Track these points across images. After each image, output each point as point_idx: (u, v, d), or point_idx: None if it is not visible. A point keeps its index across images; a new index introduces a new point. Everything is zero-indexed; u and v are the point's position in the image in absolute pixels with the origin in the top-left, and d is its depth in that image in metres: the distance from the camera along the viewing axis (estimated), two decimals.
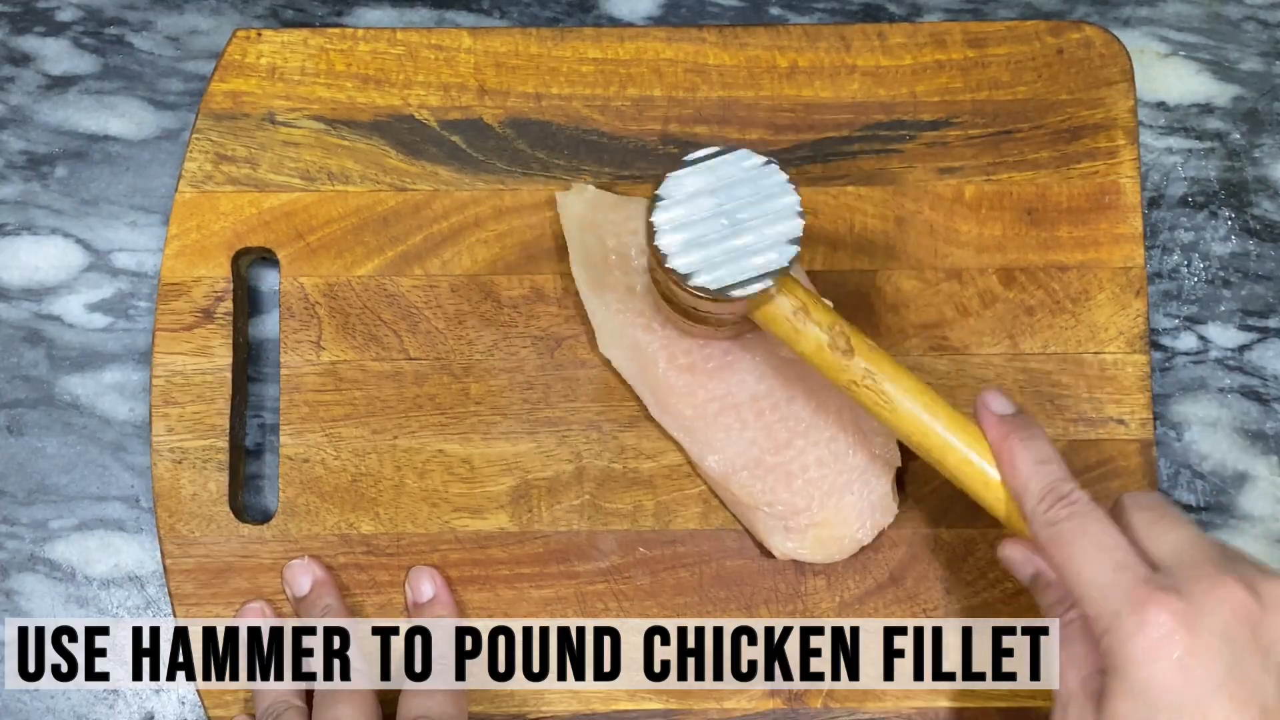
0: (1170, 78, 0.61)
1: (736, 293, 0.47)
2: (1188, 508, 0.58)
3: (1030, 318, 0.57)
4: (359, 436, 0.56)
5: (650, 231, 0.47)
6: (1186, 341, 0.59)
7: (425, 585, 0.55)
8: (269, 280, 0.59)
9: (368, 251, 0.57)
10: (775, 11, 0.61)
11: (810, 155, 0.57)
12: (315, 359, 0.56)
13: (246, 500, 0.58)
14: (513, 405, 0.56)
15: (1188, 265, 0.60)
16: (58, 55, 0.61)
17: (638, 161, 0.57)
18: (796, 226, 0.47)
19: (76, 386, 0.59)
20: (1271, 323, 0.59)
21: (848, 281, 0.57)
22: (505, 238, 0.57)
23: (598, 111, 0.58)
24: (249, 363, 0.59)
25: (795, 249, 0.47)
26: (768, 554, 0.55)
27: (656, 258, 0.47)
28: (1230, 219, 0.60)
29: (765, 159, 0.48)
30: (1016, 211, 0.57)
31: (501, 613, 0.56)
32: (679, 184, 0.47)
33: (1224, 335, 0.59)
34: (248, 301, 0.59)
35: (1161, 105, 0.61)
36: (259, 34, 0.58)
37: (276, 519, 0.56)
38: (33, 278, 0.59)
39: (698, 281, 0.47)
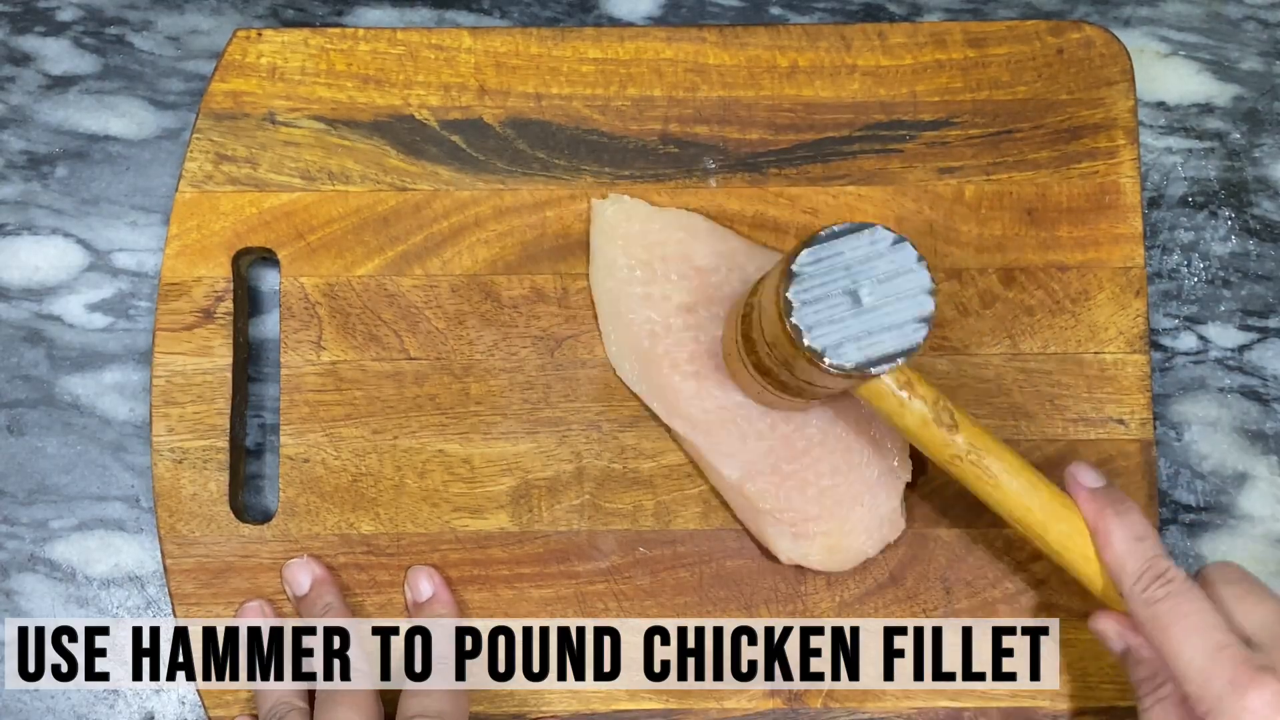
0: (1170, 78, 0.61)
1: (873, 370, 0.47)
2: (1187, 508, 0.58)
3: (1030, 318, 0.57)
4: (359, 436, 0.56)
5: (785, 306, 0.47)
6: (1186, 341, 0.59)
7: (424, 584, 0.55)
8: (269, 280, 0.59)
9: (368, 251, 0.57)
10: (775, 11, 0.61)
11: (810, 155, 0.57)
12: (315, 359, 0.56)
13: (247, 500, 0.58)
14: (513, 405, 0.56)
15: (1188, 265, 0.60)
16: (58, 55, 0.61)
17: (638, 161, 0.57)
18: (927, 305, 0.47)
19: (77, 386, 0.59)
20: (1271, 323, 0.59)
21: None
22: (505, 238, 0.57)
23: (598, 111, 0.58)
24: (249, 363, 0.59)
25: (927, 328, 0.47)
26: (768, 554, 0.55)
27: (788, 334, 0.47)
28: (1230, 219, 0.60)
29: (897, 237, 0.47)
30: (1016, 211, 0.57)
31: (501, 613, 0.56)
32: (813, 258, 0.47)
33: (1224, 335, 0.59)
34: (248, 301, 0.59)
35: (1161, 105, 0.61)
36: (259, 34, 0.58)
37: (277, 519, 0.56)
38: (33, 278, 0.59)
39: (833, 360, 0.46)
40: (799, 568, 0.55)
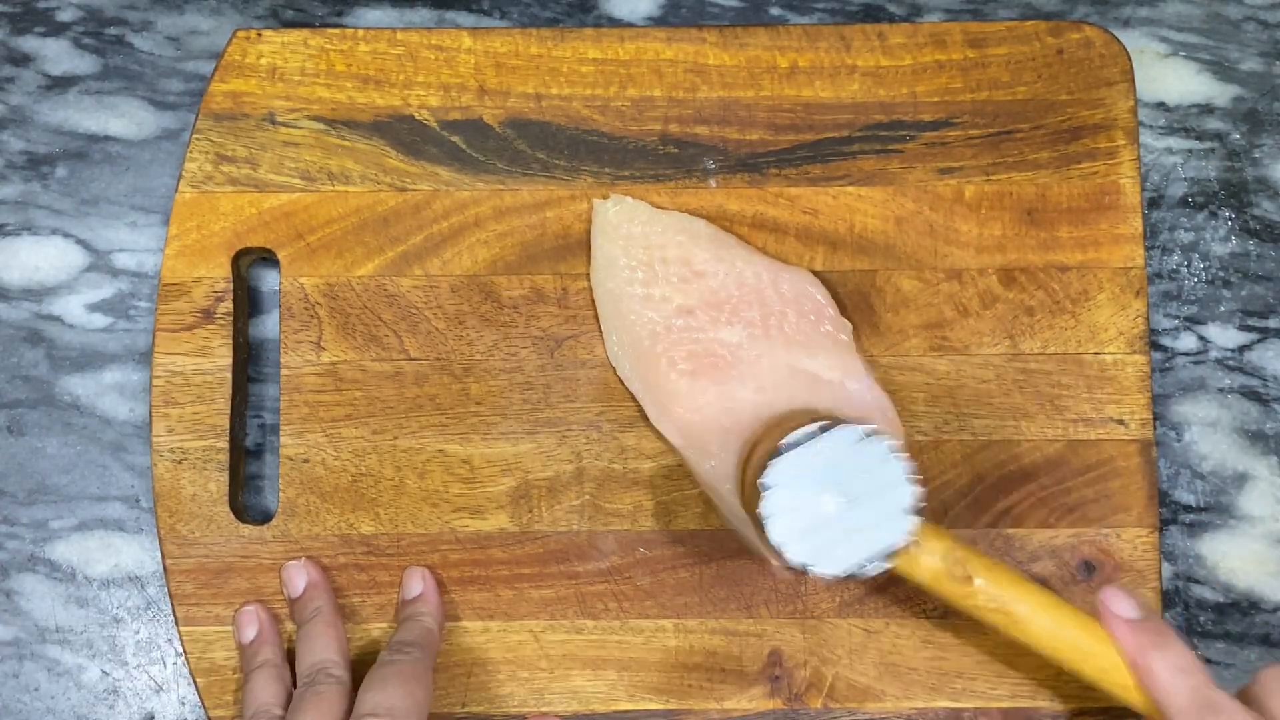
0: (1170, 78, 0.61)
1: (862, 573, 0.46)
2: (1187, 508, 0.58)
3: (1030, 318, 0.57)
4: (359, 437, 0.56)
5: (759, 523, 0.46)
6: (1186, 342, 0.59)
7: (415, 583, 0.55)
8: (269, 280, 0.59)
9: (368, 252, 0.57)
10: (775, 11, 0.61)
11: (810, 155, 0.57)
12: (315, 359, 0.56)
13: (247, 500, 0.58)
14: (513, 405, 0.56)
15: (1188, 265, 0.60)
16: (58, 55, 0.61)
17: (638, 162, 0.57)
18: (911, 493, 0.46)
19: (77, 387, 0.59)
20: (1271, 323, 0.59)
21: (848, 281, 0.57)
22: (505, 238, 0.57)
23: (598, 112, 0.58)
24: (249, 363, 0.59)
25: (915, 519, 0.46)
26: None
27: (770, 549, 0.47)
28: (1230, 219, 0.60)
29: (867, 430, 0.47)
30: (1016, 211, 0.57)
31: (502, 613, 0.56)
32: (783, 469, 0.46)
33: (1224, 335, 0.59)
34: (248, 301, 0.59)
35: (1161, 105, 0.61)
36: (259, 34, 0.58)
37: (277, 519, 0.56)
38: (33, 278, 0.59)
39: (819, 571, 0.46)
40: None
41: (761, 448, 0.49)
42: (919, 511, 0.46)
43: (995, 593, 0.48)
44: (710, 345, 0.55)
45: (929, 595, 0.49)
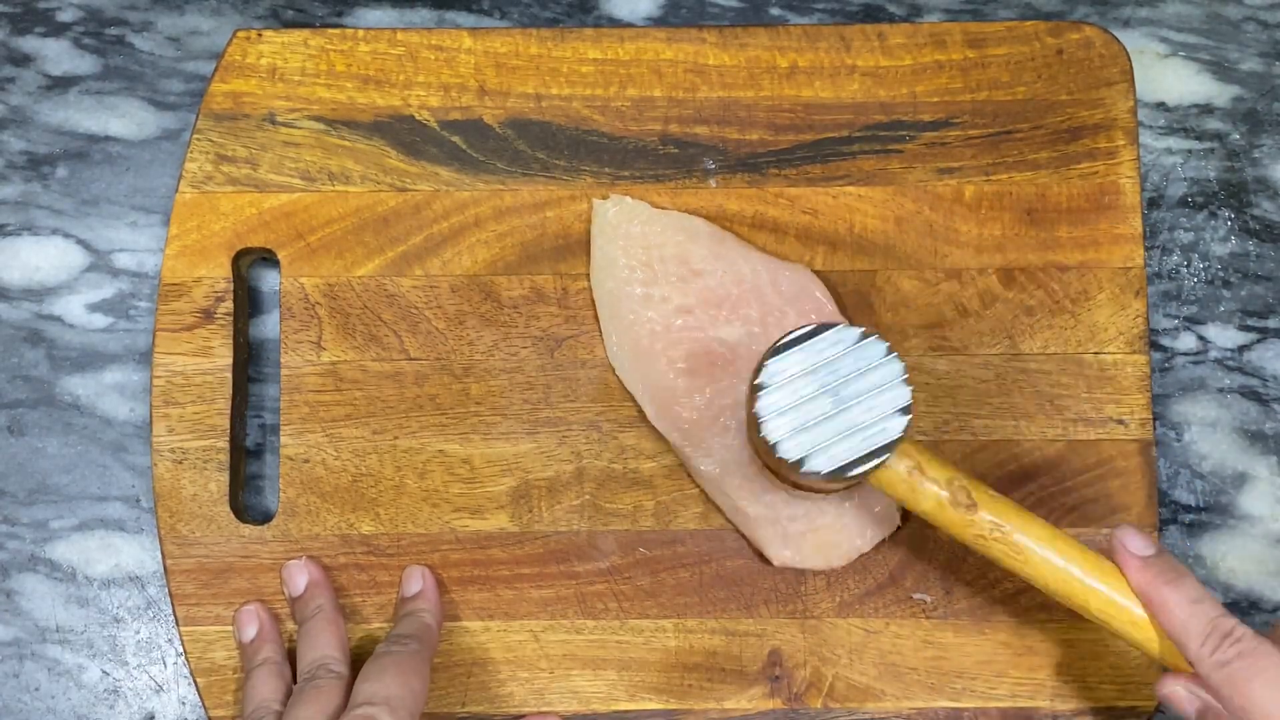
0: (1170, 78, 0.61)
1: (853, 472, 0.46)
2: (1187, 508, 0.58)
3: (1030, 318, 0.57)
4: (359, 437, 0.56)
5: (754, 421, 0.47)
6: (1186, 342, 0.59)
7: (414, 581, 0.55)
8: (269, 280, 0.59)
9: (368, 252, 0.57)
10: (775, 12, 0.61)
11: (810, 155, 0.57)
12: (315, 359, 0.56)
13: (247, 500, 0.58)
14: (513, 405, 0.56)
15: (1187, 265, 0.60)
16: (58, 55, 0.61)
17: (637, 162, 0.57)
18: (904, 394, 0.46)
19: (77, 387, 0.59)
20: (1271, 323, 0.59)
21: (848, 281, 0.57)
22: (505, 238, 0.57)
23: (598, 112, 0.58)
24: (249, 363, 0.59)
25: (907, 418, 0.46)
26: (763, 550, 0.55)
27: (764, 446, 0.47)
28: (1230, 219, 0.60)
29: (862, 332, 0.47)
30: (1016, 211, 0.57)
31: (502, 613, 0.56)
32: (778, 369, 0.47)
33: (1224, 335, 0.59)
34: (248, 301, 0.59)
35: (1161, 105, 0.61)
36: (259, 34, 0.58)
37: (277, 519, 0.56)
38: (33, 278, 0.59)
39: (811, 467, 0.46)
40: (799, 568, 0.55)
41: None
42: (910, 410, 0.47)
43: (999, 522, 0.47)
44: (709, 344, 0.55)
45: (933, 526, 0.49)
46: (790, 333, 0.47)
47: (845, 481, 0.48)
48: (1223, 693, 0.45)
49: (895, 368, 0.47)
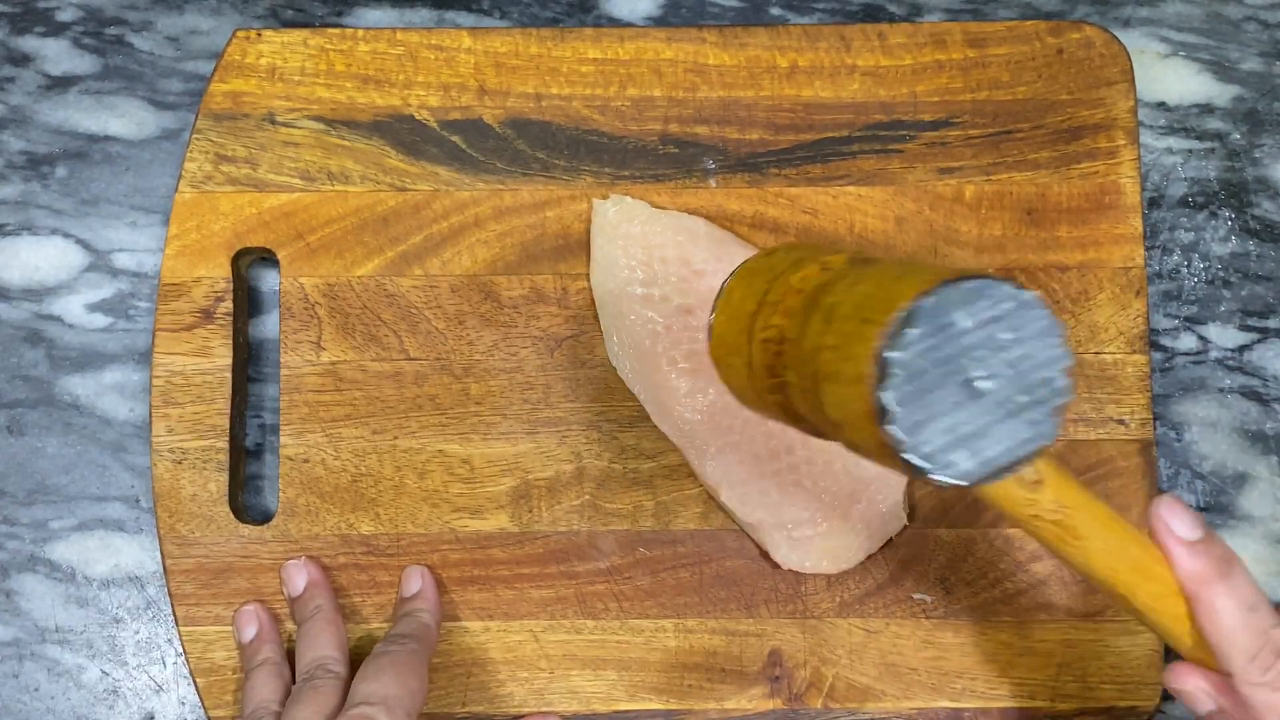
0: (1170, 78, 0.61)
1: (992, 479, 0.36)
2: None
3: None
4: (359, 437, 0.56)
5: (877, 407, 0.34)
6: (1186, 342, 0.59)
7: (413, 581, 0.55)
8: (269, 280, 0.59)
9: (368, 251, 0.57)
10: (775, 11, 0.61)
11: (810, 155, 0.57)
12: (315, 359, 0.56)
13: (246, 501, 0.58)
14: (513, 405, 0.56)
15: (1188, 265, 0.60)
16: (58, 55, 0.61)
17: (638, 162, 0.57)
18: (1063, 387, 0.36)
19: (77, 387, 0.59)
20: (1271, 323, 0.59)
21: None
22: (505, 238, 0.57)
23: (598, 111, 0.58)
24: (249, 363, 0.59)
25: (1059, 419, 0.36)
26: (768, 555, 0.55)
27: (877, 437, 0.35)
28: (1230, 219, 0.60)
29: (1024, 296, 0.35)
30: (1016, 211, 0.57)
31: (502, 613, 0.56)
32: (918, 340, 0.34)
33: (1224, 335, 0.59)
34: (248, 301, 0.59)
35: (1161, 105, 0.61)
36: (259, 34, 0.58)
37: (276, 519, 0.56)
38: (33, 278, 0.59)
39: (943, 476, 0.35)
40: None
41: (825, 313, 0.37)
42: (1074, 387, 0.37)
43: (1061, 500, 0.40)
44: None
45: (985, 499, 0.40)
46: (936, 289, 0.35)
47: (949, 488, 0.37)
48: (1261, 713, 0.41)
49: (1057, 351, 0.36)
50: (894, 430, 0.34)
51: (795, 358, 0.38)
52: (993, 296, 0.35)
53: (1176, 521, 0.42)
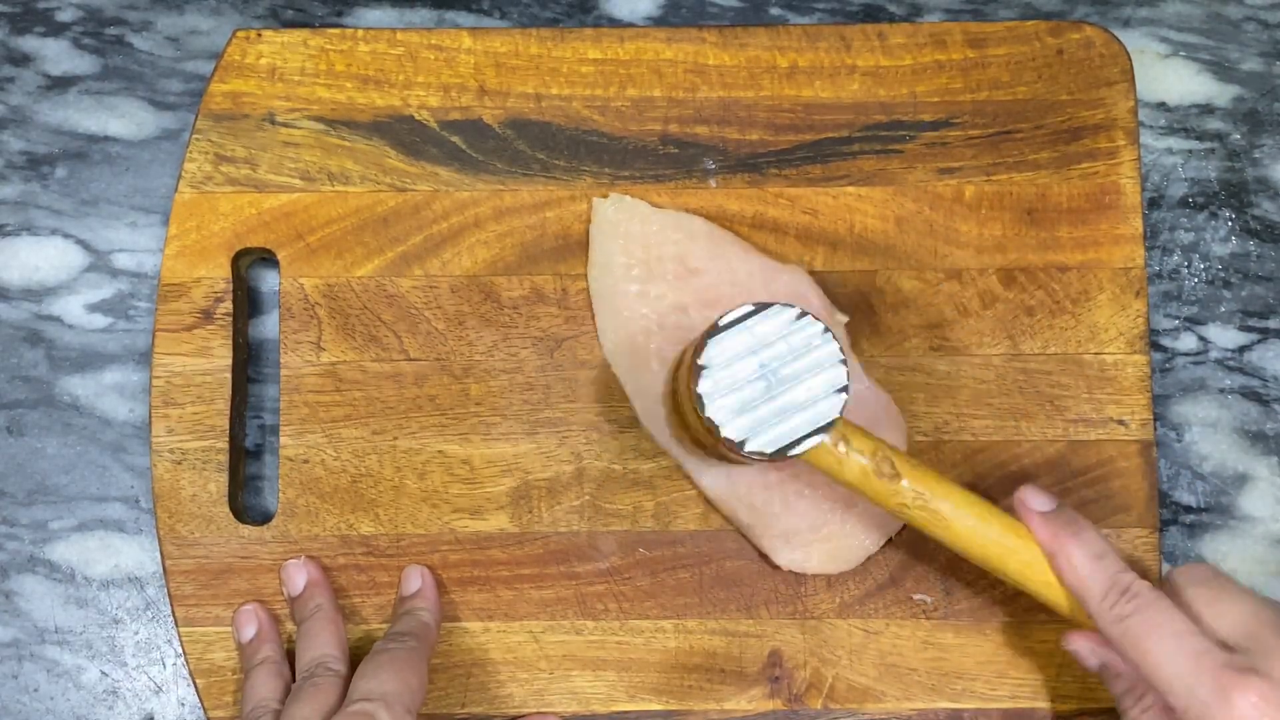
0: (1170, 78, 0.61)
1: (793, 452, 0.47)
2: (1188, 509, 0.58)
3: (1030, 318, 0.57)
4: (359, 437, 0.56)
5: (697, 401, 0.47)
6: (1186, 342, 0.59)
7: (413, 580, 0.55)
8: (269, 281, 0.59)
9: (368, 252, 0.57)
10: (775, 11, 0.61)
11: (810, 155, 0.57)
12: (315, 360, 0.56)
13: (246, 501, 0.58)
14: (513, 406, 0.56)
15: (1188, 266, 0.60)
16: (58, 55, 0.61)
17: (637, 162, 0.57)
18: (841, 374, 0.47)
19: (76, 387, 0.59)
20: (1271, 323, 0.59)
21: (848, 281, 0.57)
22: (505, 238, 0.57)
23: (598, 112, 0.58)
24: (249, 363, 0.59)
25: (844, 397, 0.47)
26: (768, 556, 0.55)
27: (707, 427, 0.47)
28: (1230, 219, 0.60)
29: (799, 312, 0.48)
30: (1016, 212, 0.57)
31: (501, 614, 0.56)
32: (719, 349, 0.47)
33: (1224, 336, 0.59)
34: (248, 302, 0.59)
35: (1161, 105, 0.61)
36: (259, 34, 0.58)
37: (276, 520, 0.56)
38: (33, 278, 0.59)
39: (753, 447, 0.47)
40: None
41: (685, 360, 0.50)
42: (846, 390, 0.47)
43: (920, 490, 0.49)
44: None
45: (856, 494, 0.50)
46: (728, 313, 0.48)
47: (783, 459, 0.48)
48: (1120, 646, 0.46)
49: (831, 348, 0.47)
50: (709, 415, 0.47)
51: (679, 398, 0.52)
52: (775, 317, 0.47)
53: (1032, 498, 0.49)
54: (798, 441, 0.47)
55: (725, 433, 0.47)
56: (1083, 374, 0.56)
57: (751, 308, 0.48)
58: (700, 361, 0.47)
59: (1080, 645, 0.49)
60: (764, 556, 0.55)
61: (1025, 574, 0.49)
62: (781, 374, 0.47)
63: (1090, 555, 0.47)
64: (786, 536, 0.54)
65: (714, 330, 0.48)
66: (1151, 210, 0.60)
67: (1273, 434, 0.59)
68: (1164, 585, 0.47)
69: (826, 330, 0.48)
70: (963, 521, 0.49)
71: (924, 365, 0.56)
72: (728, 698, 0.55)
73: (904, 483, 0.49)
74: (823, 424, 0.47)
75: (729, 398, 0.47)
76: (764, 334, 0.48)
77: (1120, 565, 0.47)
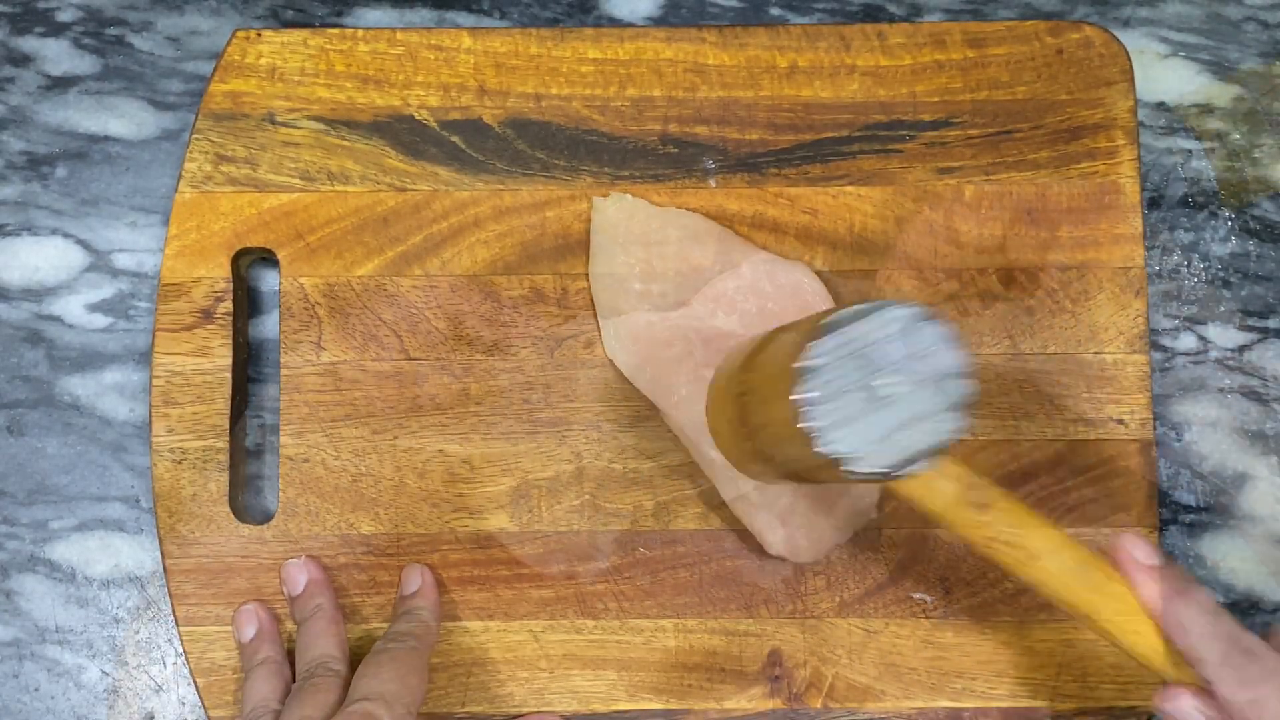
0: (1170, 78, 0.61)
1: (902, 472, 0.41)
2: (1188, 508, 0.58)
3: (1030, 318, 0.57)
4: (359, 437, 0.56)
5: (795, 409, 0.41)
6: (1186, 342, 0.59)
7: (413, 579, 0.55)
8: (269, 280, 0.59)
9: (368, 252, 0.57)
10: (775, 11, 0.61)
11: (810, 155, 0.57)
12: (315, 359, 0.56)
13: (247, 501, 0.58)
14: (513, 405, 0.56)
15: (1188, 265, 0.60)
16: (58, 55, 0.61)
17: (637, 161, 0.57)
18: (961, 388, 0.41)
19: (77, 387, 0.59)
20: (1271, 323, 0.59)
21: (848, 281, 0.57)
22: (505, 238, 0.57)
23: (598, 111, 0.58)
24: (249, 363, 0.59)
25: (959, 417, 0.41)
26: (767, 555, 0.55)
27: (802, 438, 0.41)
28: (1230, 219, 0.60)
29: (917, 312, 0.41)
30: (1016, 211, 0.57)
31: (502, 613, 0.56)
32: (823, 352, 0.41)
33: (1224, 335, 0.59)
34: (248, 302, 0.59)
35: (1161, 105, 0.61)
36: (259, 34, 0.58)
37: (276, 519, 0.56)
38: (33, 278, 0.59)
39: (854, 469, 0.41)
40: (799, 567, 0.55)
41: (776, 359, 0.43)
42: (968, 407, 0.42)
43: (1011, 523, 0.44)
44: (707, 333, 0.55)
45: (941, 524, 0.45)
46: (836, 312, 0.41)
47: (888, 480, 0.43)
48: (1246, 714, 0.43)
49: (952, 357, 0.41)
50: (812, 425, 0.40)
51: (754, 399, 0.45)
52: (886, 316, 0.41)
53: (1138, 550, 0.46)
54: (906, 462, 0.41)
55: (823, 447, 0.41)
56: (1082, 373, 0.56)
57: (864, 307, 0.41)
58: (802, 364, 0.41)
59: (1185, 705, 0.45)
60: (761, 552, 0.55)
61: (1118, 625, 0.45)
62: (892, 384, 0.41)
63: (1206, 614, 0.44)
64: (781, 515, 0.54)
65: (819, 331, 0.41)
66: (1151, 210, 0.60)
67: (1272, 434, 0.59)
68: (1273, 639, 0.45)
69: (947, 335, 0.41)
70: (1055, 562, 0.45)
71: None
72: (728, 697, 0.55)
73: (994, 515, 0.44)
74: (936, 444, 0.41)
75: (831, 406, 0.40)
76: (876, 335, 0.41)
77: (1236, 624, 0.44)
